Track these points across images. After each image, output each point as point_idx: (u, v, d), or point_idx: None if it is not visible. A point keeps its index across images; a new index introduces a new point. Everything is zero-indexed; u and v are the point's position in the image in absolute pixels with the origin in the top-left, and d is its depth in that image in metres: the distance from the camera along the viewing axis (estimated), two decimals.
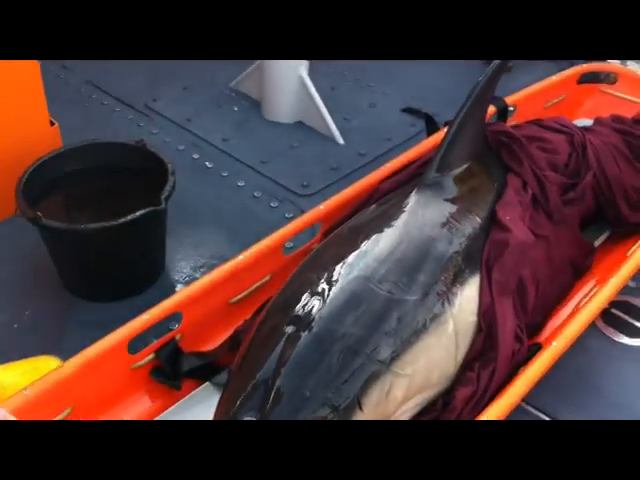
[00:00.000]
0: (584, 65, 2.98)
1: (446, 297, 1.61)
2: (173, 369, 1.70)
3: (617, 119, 2.42)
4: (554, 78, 2.84)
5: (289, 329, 1.48)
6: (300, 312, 1.50)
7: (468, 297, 1.67)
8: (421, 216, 1.77)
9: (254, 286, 1.89)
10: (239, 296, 1.86)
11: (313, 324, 1.47)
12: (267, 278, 1.92)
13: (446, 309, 1.60)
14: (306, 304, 1.52)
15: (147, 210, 1.93)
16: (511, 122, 2.52)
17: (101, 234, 1.91)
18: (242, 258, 1.83)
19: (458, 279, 1.66)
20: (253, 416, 1.36)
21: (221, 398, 1.50)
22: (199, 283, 1.77)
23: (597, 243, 2.18)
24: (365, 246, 1.65)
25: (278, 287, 1.72)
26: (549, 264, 1.88)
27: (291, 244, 2.03)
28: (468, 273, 1.70)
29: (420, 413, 1.54)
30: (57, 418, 1.50)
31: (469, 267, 1.71)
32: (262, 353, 1.47)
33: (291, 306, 1.53)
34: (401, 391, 1.48)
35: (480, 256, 1.74)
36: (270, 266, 1.92)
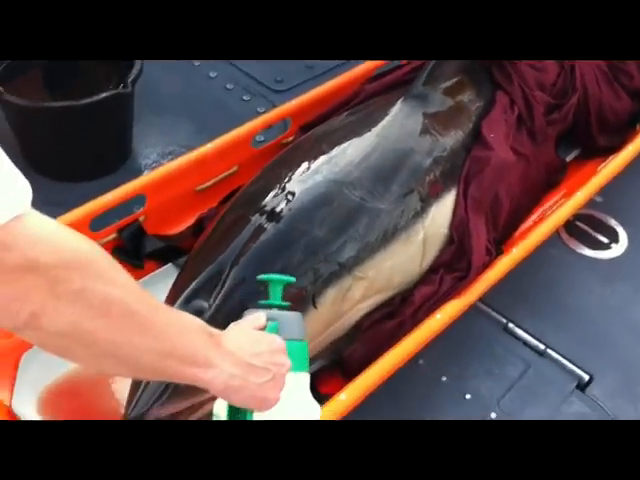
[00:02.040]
0: None
1: (420, 208, 1.60)
2: (136, 249, 1.68)
3: None
4: None
5: (254, 220, 1.46)
6: (267, 206, 1.48)
7: (442, 210, 1.66)
8: (402, 125, 1.72)
9: (221, 176, 1.87)
10: (205, 184, 1.84)
11: (279, 219, 1.45)
12: (234, 169, 1.90)
13: (418, 220, 1.59)
14: (274, 199, 1.49)
15: (112, 92, 1.88)
16: None
17: (65, 113, 1.86)
18: (210, 146, 1.80)
19: (434, 192, 1.64)
20: (204, 300, 1.35)
21: (177, 279, 1.50)
22: (164, 168, 1.75)
23: (569, 159, 2.17)
24: (340, 148, 1.62)
25: (245, 179, 1.69)
26: (525, 181, 1.87)
27: (262, 137, 2.00)
28: (445, 187, 1.68)
29: (376, 307, 1.56)
30: None
31: (446, 181, 1.68)
32: (224, 240, 1.46)
33: (259, 199, 1.51)
34: (360, 292, 1.49)
35: (459, 171, 1.72)
36: (238, 157, 1.89)
